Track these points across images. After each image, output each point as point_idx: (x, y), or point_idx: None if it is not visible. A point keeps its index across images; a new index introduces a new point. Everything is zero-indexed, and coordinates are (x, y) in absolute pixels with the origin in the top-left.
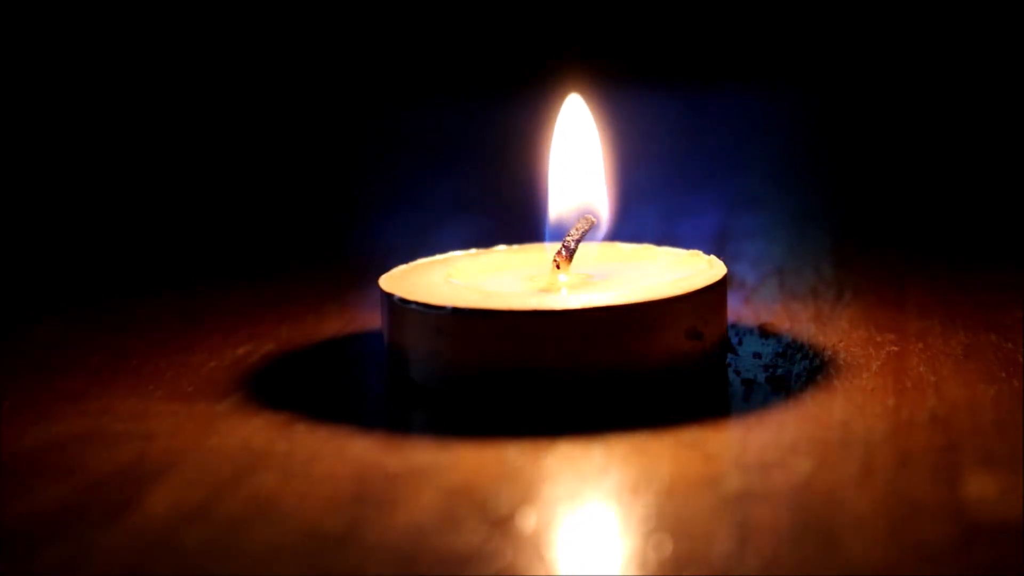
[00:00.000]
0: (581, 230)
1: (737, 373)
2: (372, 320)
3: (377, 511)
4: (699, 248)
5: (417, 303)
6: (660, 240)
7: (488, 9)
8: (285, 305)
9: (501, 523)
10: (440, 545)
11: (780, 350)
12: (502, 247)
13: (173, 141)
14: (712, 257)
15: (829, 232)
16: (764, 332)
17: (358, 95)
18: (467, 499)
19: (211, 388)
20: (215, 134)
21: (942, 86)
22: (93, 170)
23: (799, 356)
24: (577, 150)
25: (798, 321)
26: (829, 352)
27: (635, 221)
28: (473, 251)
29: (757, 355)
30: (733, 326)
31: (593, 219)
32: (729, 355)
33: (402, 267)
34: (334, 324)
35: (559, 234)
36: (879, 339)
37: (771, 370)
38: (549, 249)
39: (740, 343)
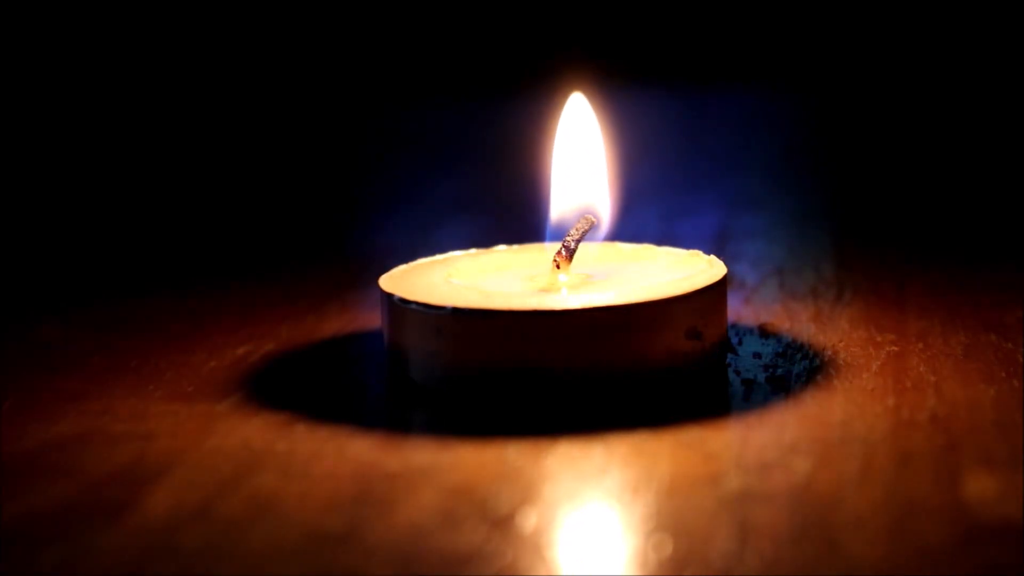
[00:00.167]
0: (581, 230)
1: (737, 373)
2: (372, 320)
3: (377, 511)
4: (699, 248)
5: (417, 303)
6: (660, 240)
7: (488, 9)
8: (285, 305)
9: (501, 523)
10: (440, 545)
11: (780, 350)
12: (502, 247)
13: (173, 141)
14: (712, 257)
15: (829, 232)
16: (764, 332)
17: (358, 95)
18: (467, 499)
19: (211, 388)
20: (215, 134)
21: (942, 86)
22: (93, 170)
23: (799, 356)
24: (580, 150)
25: (798, 321)
26: (829, 352)
27: (635, 221)
28: (473, 251)
29: (757, 355)
30: (733, 326)
31: (593, 219)
32: (729, 355)
33: (402, 267)
34: (334, 324)
35: (559, 234)
36: (879, 339)
37: (771, 370)
38: (549, 249)
39: (740, 343)
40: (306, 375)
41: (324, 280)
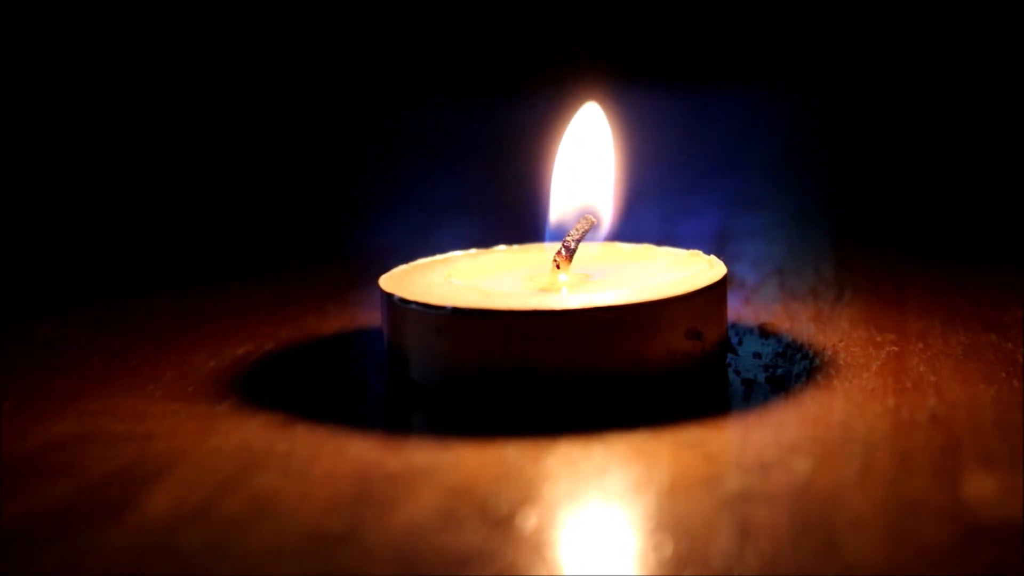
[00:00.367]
0: (581, 230)
1: (737, 373)
2: (372, 320)
3: (377, 511)
4: (699, 248)
5: (417, 303)
6: (660, 240)
7: (488, 9)
8: (285, 305)
9: (501, 523)
10: (440, 545)
11: (780, 350)
12: (502, 247)
13: (173, 141)
14: (712, 257)
15: (829, 232)
16: (764, 332)
17: (358, 95)
18: (467, 499)
19: (211, 388)
20: (215, 134)
21: (942, 86)
22: (93, 170)
23: (799, 356)
24: (589, 156)
25: (798, 321)
26: (829, 352)
27: (635, 221)
28: (473, 251)
29: (757, 355)
30: (733, 326)
31: (593, 219)
32: (729, 355)
33: (402, 267)
34: (334, 324)
35: (559, 234)
36: (879, 339)
37: (771, 370)
38: (549, 249)
39: (740, 343)
40: (306, 375)
41: (324, 280)
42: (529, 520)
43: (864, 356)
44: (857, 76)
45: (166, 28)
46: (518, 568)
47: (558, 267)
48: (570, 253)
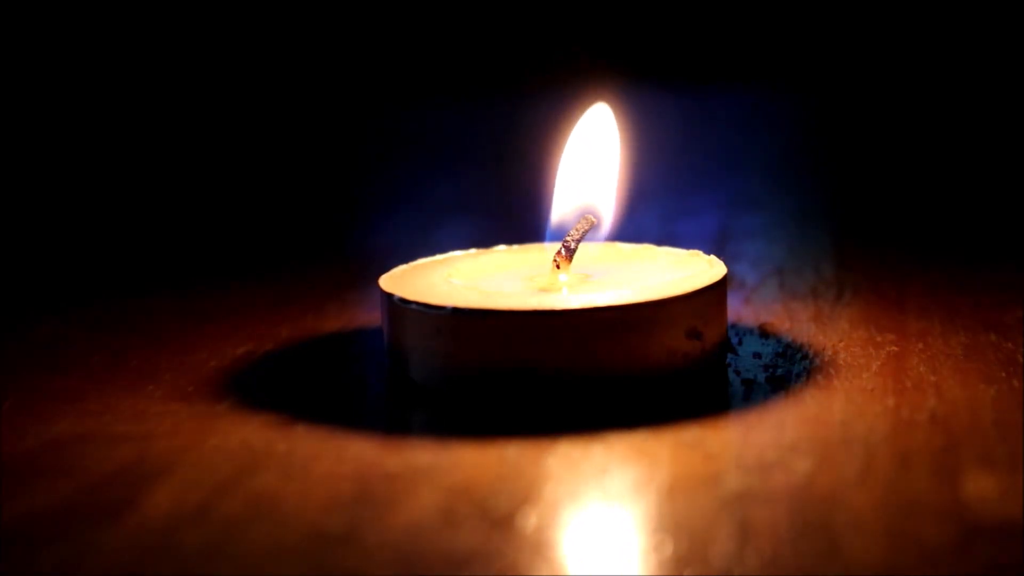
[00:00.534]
0: (581, 230)
1: (737, 373)
2: (372, 320)
3: (377, 511)
4: (699, 248)
5: (417, 303)
6: (660, 240)
7: (489, 9)
8: (285, 305)
9: (501, 523)
10: (440, 545)
11: (780, 350)
12: (502, 247)
13: (173, 141)
14: (712, 257)
15: (829, 232)
16: (764, 332)
17: (358, 95)
18: (467, 499)
19: (211, 388)
20: (215, 134)
21: (942, 86)
22: (93, 170)
23: (799, 356)
24: (595, 156)
25: (798, 321)
26: (829, 352)
27: (635, 221)
28: (473, 251)
29: (757, 355)
30: (733, 326)
31: (593, 219)
32: (729, 355)
33: (402, 267)
34: (334, 324)
35: (559, 234)
36: (879, 339)
37: (771, 370)
38: (549, 249)
39: (740, 343)
40: (306, 375)
41: (324, 280)
42: (529, 520)
43: (864, 356)
44: (857, 76)
45: (166, 28)
46: (518, 568)
47: (558, 267)
48: (570, 253)
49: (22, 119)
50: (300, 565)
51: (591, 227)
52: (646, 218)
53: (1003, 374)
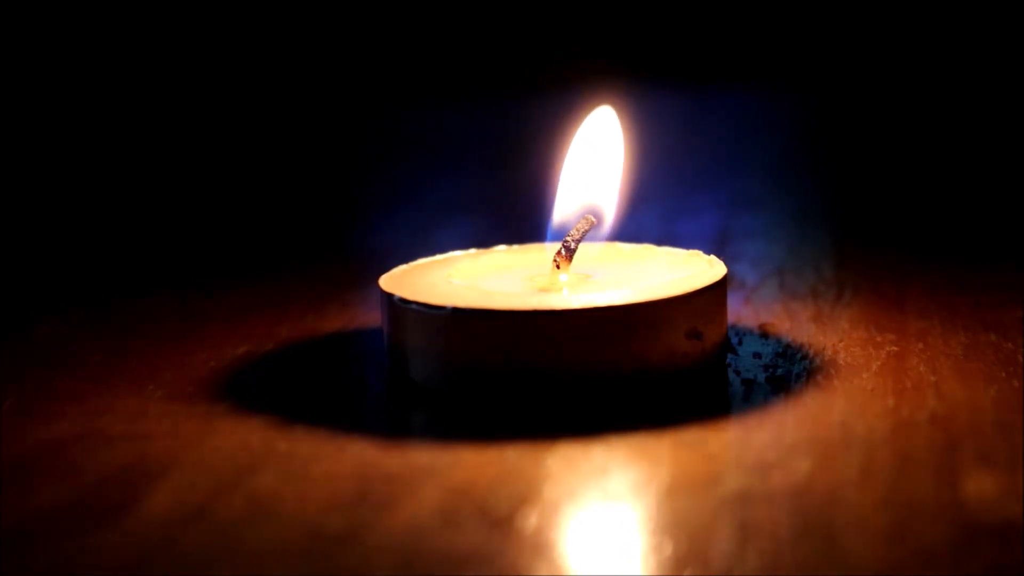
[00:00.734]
0: (582, 230)
1: (737, 373)
2: (372, 320)
3: (377, 511)
4: (699, 248)
5: (417, 303)
6: (660, 240)
7: (489, 9)
8: (285, 305)
9: (501, 523)
10: (440, 545)
11: (780, 350)
12: (502, 247)
13: (173, 141)
14: (712, 257)
15: (829, 232)
16: (764, 332)
17: (358, 95)
18: (467, 499)
19: (211, 388)
20: (215, 134)
21: (942, 86)
22: (93, 170)
23: (799, 356)
24: (598, 158)
25: (798, 321)
26: (829, 352)
27: (636, 221)
28: (473, 251)
29: (757, 355)
30: (733, 326)
31: (593, 219)
32: (729, 355)
33: (402, 267)
34: (334, 324)
35: (560, 234)
36: (879, 339)
37: (771, 370)
38: (549, 249)
39: (740, 343)
40: (306, 375)
41: (324, 280)
42: (529, 520)
43: (864, 356)
44: (857, 76)
45: (166, 28)
46: (518, 568)
47: (558, 267)
48: (570, 253)
49: (22, 119)
50: (300, 565)
51: (591, 227)
52: (646, 218)
53: (1003, 374)
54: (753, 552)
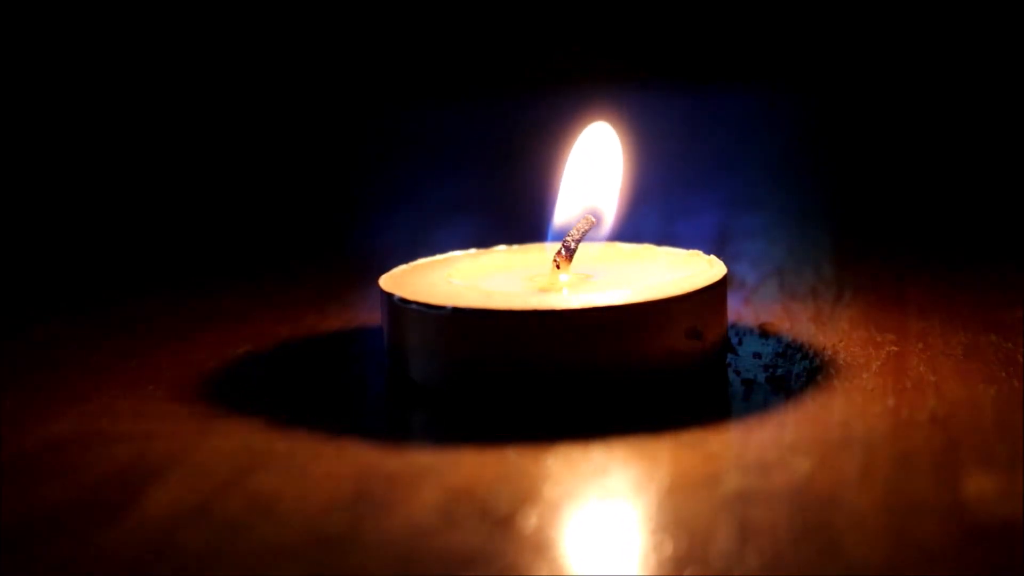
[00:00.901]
0: (582, 230)
1: (737, 373)
2: (372, 320)
3: (377, 511)
4: (699, 248)
5: (417, 303)
6: (660, 240)
7: (489, 9)
8: (285, 305)
9: (501, 523)
10: (440, 545)
11: (780, 350)
12: (502, 247)
13: (173, 141)
14: (712, 257)
15: (829, 232)
16: (764, 332)
17: (358, 95)
18: (467, 499)
19: (211, 388)
20: (215, 134)
21: (942, 86)
22: (93, 170)
23: (799, 356)
24: (598, 166)
25: (798, 321)
26: (829, 352)
27: (635, 221)
28: (473, 251)
29: (757, 355)
30: (733, 326)
31: (593, 219)
32: (729, 355)
33: (402, 267)
34: (334, 323)
35: (560, 234)
36: (879, 339)
37: (771, 370)
38: (549, 249)
39: (740, 343)
40: (307, 375)
41: (324, 280)
42: (529, 520)
43: (864, 356)
44: (857, 76)
45: (166, 28)
46: (518, 568)
47: (558, 267)
48: (570, 253)
49: (23, 120)
50: (300, 565)
51: (591, 227)
52: (646, 218)
53: (1003, 374)
54: (753, 552)
